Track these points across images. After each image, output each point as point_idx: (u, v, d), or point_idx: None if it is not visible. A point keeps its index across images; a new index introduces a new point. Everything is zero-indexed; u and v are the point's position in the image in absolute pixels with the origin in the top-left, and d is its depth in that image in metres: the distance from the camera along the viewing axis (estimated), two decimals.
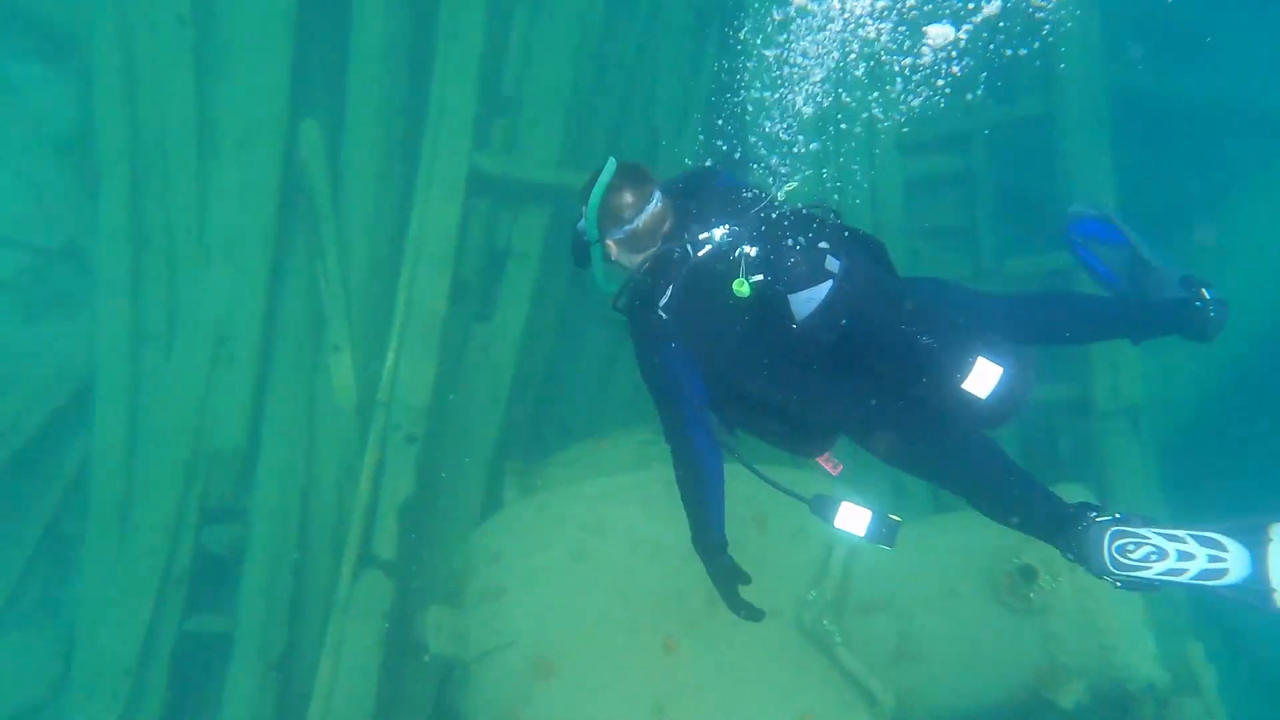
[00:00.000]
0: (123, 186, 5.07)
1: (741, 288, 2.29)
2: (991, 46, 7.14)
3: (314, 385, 4.85)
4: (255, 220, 5.00)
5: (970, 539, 3.44)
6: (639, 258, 2.48)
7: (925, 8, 7.12)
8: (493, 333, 5.11)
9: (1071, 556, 2.36)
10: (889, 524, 2.50)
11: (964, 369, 2.31)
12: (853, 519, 2.51)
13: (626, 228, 2.43)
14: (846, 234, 2.47)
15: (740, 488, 3.69)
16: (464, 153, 5.06)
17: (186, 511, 4.60)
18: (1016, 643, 3.18)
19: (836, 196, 6.61)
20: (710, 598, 3.50)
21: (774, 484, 2.57)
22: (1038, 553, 3.18)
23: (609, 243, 2.48)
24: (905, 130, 6.98)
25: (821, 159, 6.75)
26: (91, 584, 4.58)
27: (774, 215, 2.43)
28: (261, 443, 4.74)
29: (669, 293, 2.38)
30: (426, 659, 3.65)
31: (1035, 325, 2.72)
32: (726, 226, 2.38)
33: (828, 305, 2.34)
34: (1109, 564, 2.26)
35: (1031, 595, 3.14)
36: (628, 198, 2.42)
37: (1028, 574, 3.15)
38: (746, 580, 2.65)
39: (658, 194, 2.46)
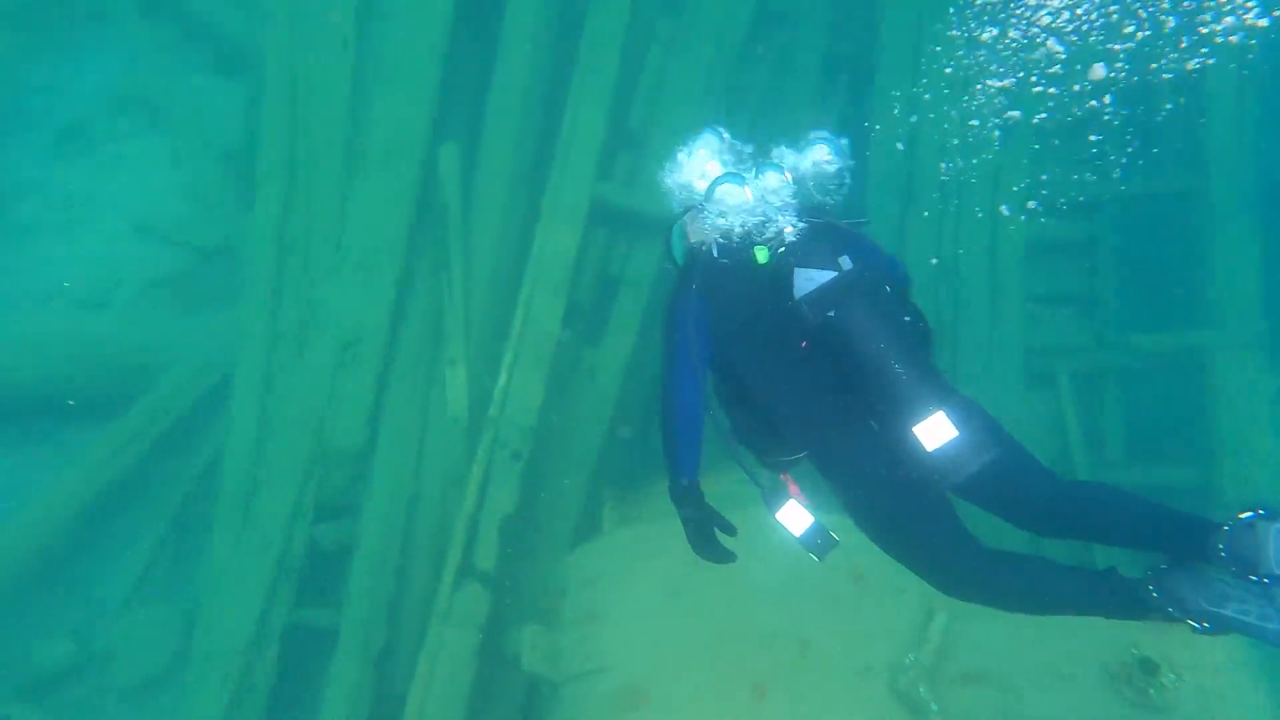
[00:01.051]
0: (277, 195, 5.43)
1: (761, 253, 2.63)
2: (1126, 114, 6.98)
3: (429, 395, 5.05)
4: (390, 233, 5.27)
5: (1084, 621, 3.31)
6: (711, 236, 2.79)
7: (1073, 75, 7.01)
8: (600, 358, 5.22)
9: (1226, 553, 2.22)
10: (826, 538, 2.59)
11: (920, 414, 2.39)
12: (795, 518, 2.61)
13: (702, 202, 2.80)
14: (873, 253, 2.71)
15: (844, 538, 3.69)
16: (588, 183, 5.23)
17: (303, 506, 4.84)
18: None
19: (961, 251, 6.53)
20: (803, 647, 3.49)
21: (740, 462, 2.66)
22: (1159, 647, 3.04)
23: (685, 220, 2.85)
24: (1033, 198, 6.87)
25: (941, 217, 6.69)
26: (214, 568, 4.86)
27: (821, 219, 2.73)
28: (377, 446, 4.96)
29: (713, 251, 2.73)
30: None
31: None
32: (780, 216, 2.70)
33: (823, 290, 2.55)
34: (1276, 564, 2.15)
35: (1151, 691, 2.99)
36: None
37: (1148, 667, 3.01)
38: (729, 529, 2.61)
39: (735, 182, 2.80)
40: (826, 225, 2.73)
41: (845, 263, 2.60)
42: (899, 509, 2.56)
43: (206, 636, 4.68)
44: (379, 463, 4.91)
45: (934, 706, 3.26)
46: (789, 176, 2.85)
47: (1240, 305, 6.06)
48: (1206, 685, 2.96)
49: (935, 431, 2.39)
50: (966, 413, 2.44)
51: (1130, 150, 6.91)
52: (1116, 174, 6.83)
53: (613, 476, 4.87)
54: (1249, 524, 2.21)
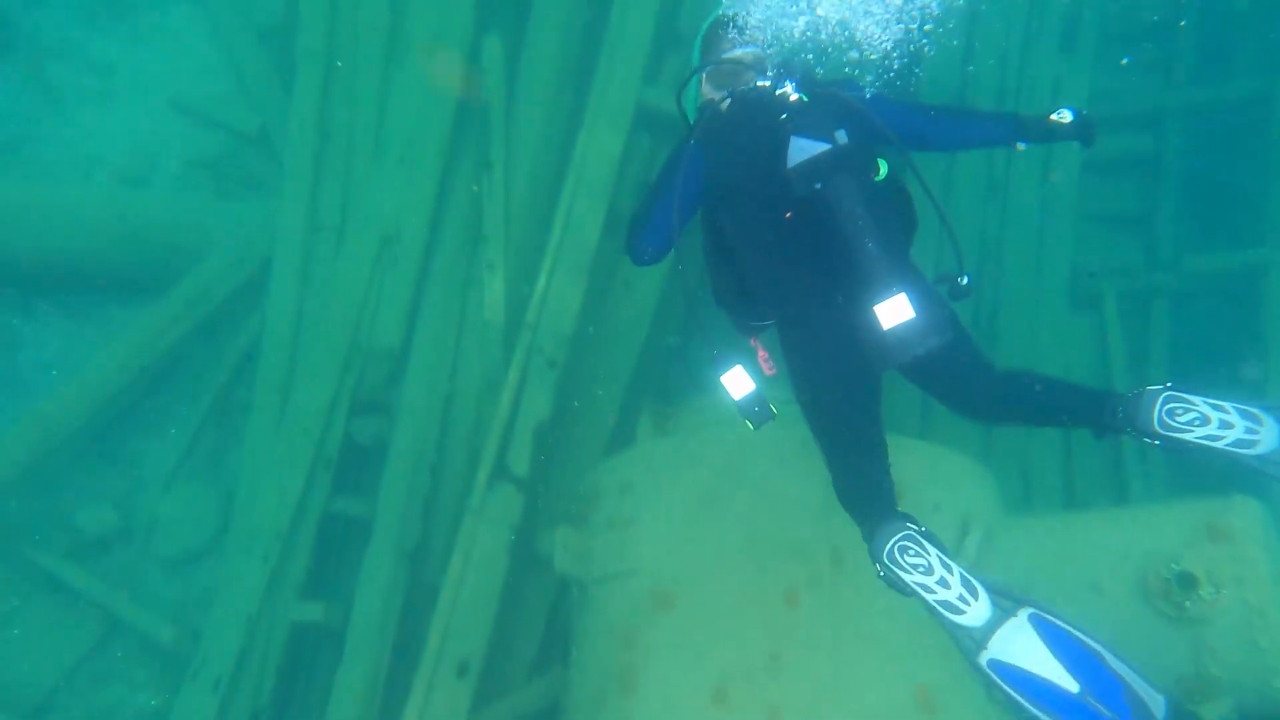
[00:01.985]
0: (315, 81, 5.33)
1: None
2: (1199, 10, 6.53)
3: (466, 297, 5.03)
4: (431, 127, 5.15)
5: (1123, 537, 3.29)
6: (721, 95, 2.86)
7: None
8: (637, 271, 5.14)
9: (1121, 417, 2.54)
10: (764, 408, 2.75)
11: (883, 293, 2.49)
12: (737, 383, 2.77)
13: (716, 60, 2.84)
14: (880, 119, 2.74)
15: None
16: (634, 85, 5.04)
17: (340, 399, 4.90)
18: (1164, 649, 3.03)
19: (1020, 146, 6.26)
20: (836, 559, 3.51)
21: (709, 331, 2.82)
22: (1201, 561, 3.02)
23: (703, 76, 2.90)
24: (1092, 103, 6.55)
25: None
26: (252, 453, 4.97)
27: (826, 88, 2.77)
28: (414, 344, 4.96)
29: (722, 110, 2.83)
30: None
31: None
32: (789, 84, 2.74)
33: (814, 161, 2.60)
34: (1157, 424, 2.46)
35: (1188, 604, 2.99)
36: (725, 36, 2.85)
37: (1187, 581, 3.00)
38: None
39: (752, 47, 2.85)
40: (830, 95, 2.75)
41: (841, 136, 2.64)
42: (836, 400, 2.77)
43: (246, 516, 4.82)
44: (415, 361, 4.92)
45: None
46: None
47: None
48: (1249, 599, 2.95)
49: (893, 311, 2.49)
50: (926, 299, 2.55)
51: (1199, 56, 6.52)
52: (1184, 81, 6.47)
53: (649, 388, 4.87)
54: (1138, 394, 2.53)
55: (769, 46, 2.86)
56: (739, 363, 2.77)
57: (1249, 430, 2.41)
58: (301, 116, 5.34)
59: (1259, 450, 2.40)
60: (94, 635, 5.15)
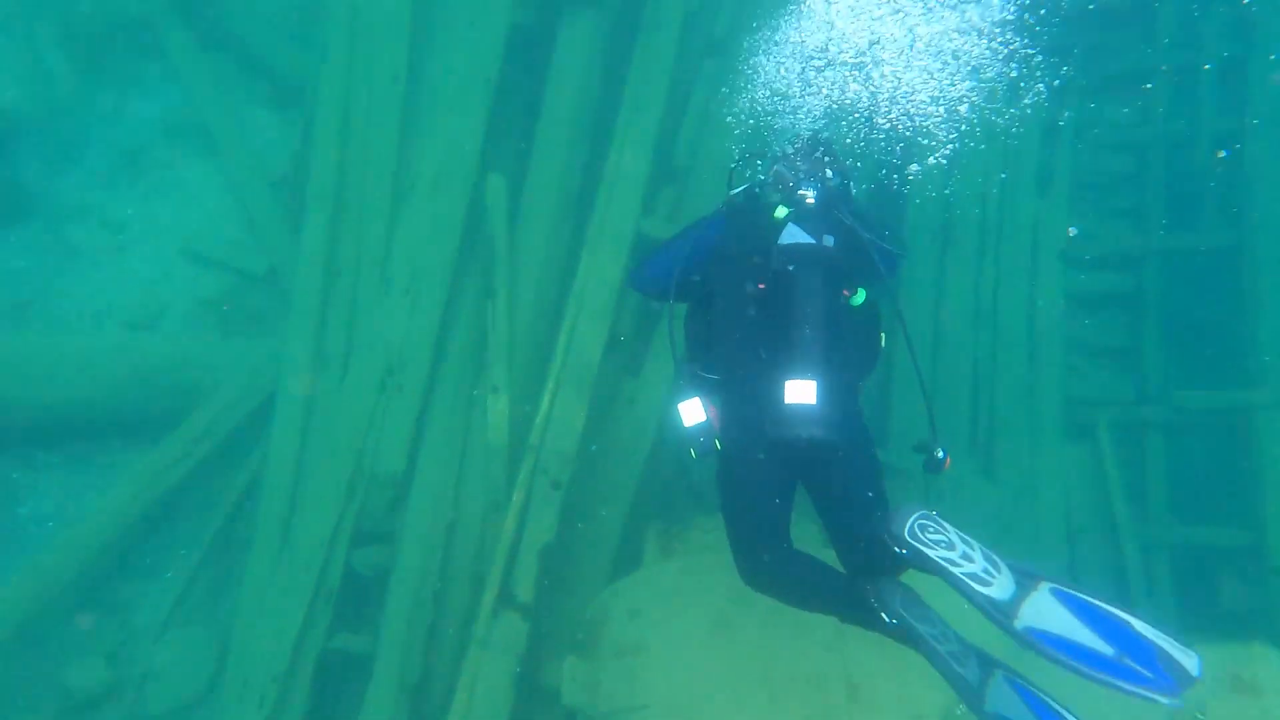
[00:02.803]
0: (324, 221, 5.52)
1: (781, 210, 3.13)
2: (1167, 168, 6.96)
3: (470, 422, 5.05)
4: (436, 260, 5.33)
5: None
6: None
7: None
8: (640, 387, 5.20)
9: (880, 526, 2.68)
10: (709, 439, 2.98)
11: (798, 374, 2.82)
12: (691, 412, 3.02)
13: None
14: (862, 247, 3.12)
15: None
16: (633, 216, 5.29)
17: (342, 529, 4.83)
18: None
19: (1000, 299, 6.50)
20: (852, 692, 3.41)
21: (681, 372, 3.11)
22: (1228, 711, 2.95)
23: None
24: (1071, 239, 6.85)
25: (980, 262, 6.68)
26: (251, 590, 4.84)
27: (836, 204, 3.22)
28: (417, 471, 4.95)
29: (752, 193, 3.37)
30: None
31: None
32: (809, 189, 3.25)
33: (797, 248, 3.02)
34: (906, 533, 2.59)
35: None
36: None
37: None
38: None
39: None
40: (835, 208, 3.20)
41: (828, 240, 3.06)
42: (746, 477, 2.98)
43: (241, 660, 4.64)
44: (418, 488, 4.89)
45: None
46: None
47: None
48: None
49: (798, 391, 2.80)
50: (834, 404, 2.83)
51: (1168, 204, 6.91)
52: (1158, 229, 6.83)
53: (654, 508, 4.83)
54: (899, 507, 2.69)
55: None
56: (697, 395, 3.03)
57: (986, 571, 2.51)
58: (310, 254, 5.51)
59: (988, 593, 2.46)
60: None
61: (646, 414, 5.13)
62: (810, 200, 3.21)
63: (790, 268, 2.99)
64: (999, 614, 2.45)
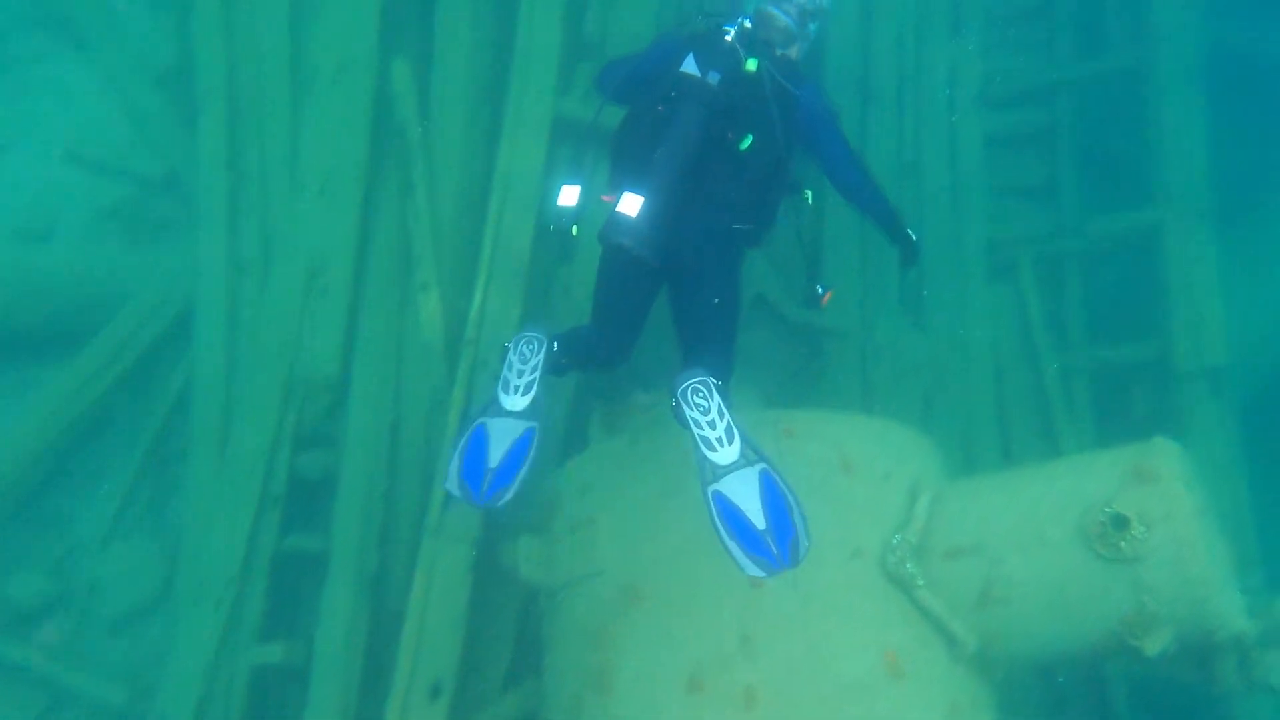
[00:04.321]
0: (220, 120, 5.22)
1: (751, 63, 3.38)
2: None
3: (403, 321, 4.98)
4: (347, 156, 5.10)
5: (1059, 487, 3.44)
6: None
7: None
8: (574, 275, 5.17)
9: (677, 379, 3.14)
10: (566, 222, 3.39)
11: (632, 185, 3.16)
12: (566, 195, 3.42)
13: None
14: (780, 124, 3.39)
15: (828, 430, 3.78)
16: (550, 96, 5.10)
17: (282, 435, 4.79)
18: (1106, 590, 3.18)
19: (922, 149, 6.53)
20: None
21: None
22: (1131, 503, 3.18)
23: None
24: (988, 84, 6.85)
25: (899, 109, 6.66)
26: (194, 500, 4.82)
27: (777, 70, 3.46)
28: (353, 374, 4.89)
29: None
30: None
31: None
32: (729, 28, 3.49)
33: (682, 77, 3.37)
34: (678, 391, 3.08)
35: (1123, 544, 3.15)
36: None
37: (1120, 523, 3.16)
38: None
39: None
40: (772, 75, 3.40)
41: (712, 76, 3.36)
42: (600, 271, 3.51)
43: (193, 566, 4.67)
44: (356, 390, 4.85)
45: (920, 581, 3.40)
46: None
47: (1188, 179, 6.17)
48: (1178, 533, 3.11)
49: (628, 203, 3.13)
50: (661, 223, 3.15)
51: (1076, 32, 6.90)
52: (1065, 58, 6.83)
53: (596, 391, 4.88)
54: (690, 371, 3.13)
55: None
56: (581, 185, 3.41)
57: (719, 440, 2.99)
58: (210, 156, 5.22)
59: (711, 457, 2.99)
60: (39, 707, 4.90)
61: (584, 301, 5.10)
62: (728, 38, 3.40)
63: (673, 94, 3.31)
64: (707, 474, 3.01)
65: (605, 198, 3.38)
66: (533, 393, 3.24)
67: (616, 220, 3.14)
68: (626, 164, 3.34)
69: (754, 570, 2.95)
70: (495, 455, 3.18)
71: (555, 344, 3.40)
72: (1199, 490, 3.28)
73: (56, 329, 5.35)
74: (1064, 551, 3.28)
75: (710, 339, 3.41)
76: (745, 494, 2.97)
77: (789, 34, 3.66)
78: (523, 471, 3.21)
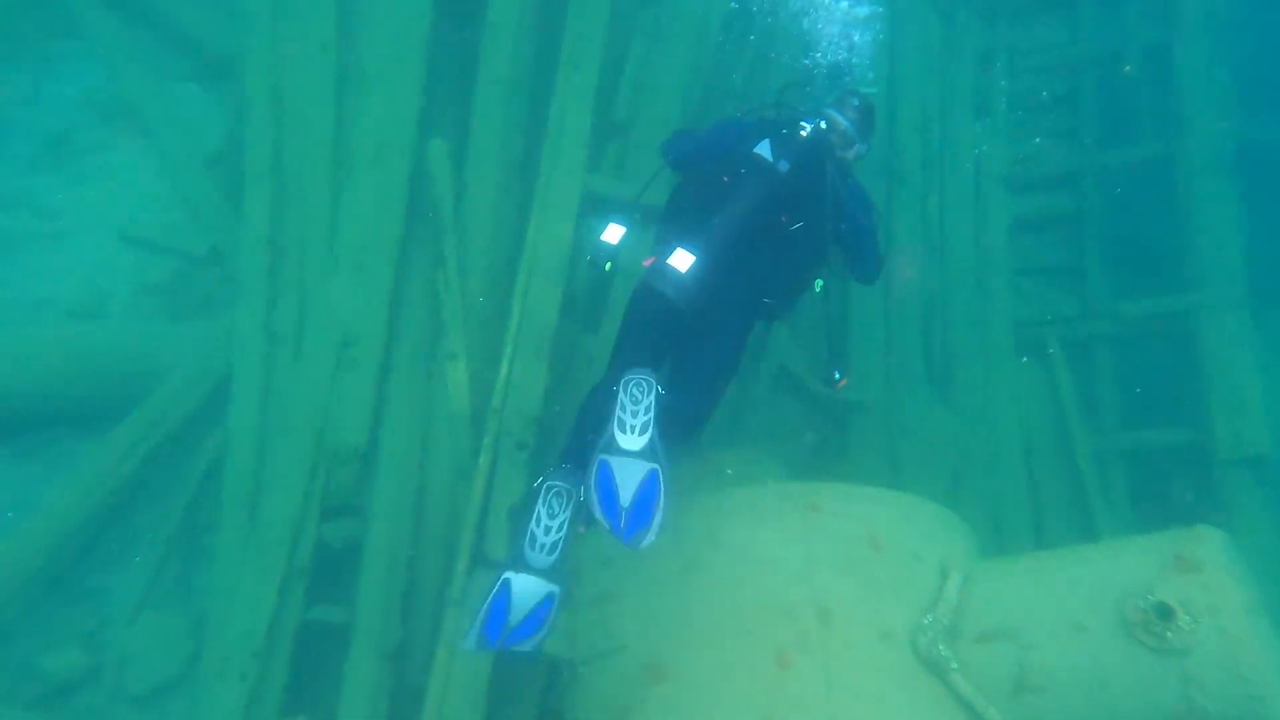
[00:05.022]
0: (264, 199, 5.42)
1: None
2: (1098, 85, 7.04)
3: (430, 391, 5.05)
4: (382, 231, 5.27)
5: (1095, 572, 3.32)
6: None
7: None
8: (599, 345, 5.23)
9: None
10: (604, 258, 3.71)
11: (689, 244, 3.43)
12: (610, 232, 3.73)
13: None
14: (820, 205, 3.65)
15: (856, 506, 3.73)
16: (579, 173, 5.28)
17: (310, 506, 4.82)
18: (1152, 683, 3.01)
19: (948, 228, 6.60)
20: (824, 617, 3.51)
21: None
22: (1174, 591, 3.07)
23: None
24: (1014, 168, 6.95)
25: (925, 194, 6.75)
26: (222, 571, 4.83)
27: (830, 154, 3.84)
28: (380, 443, 4.95)
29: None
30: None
31: None
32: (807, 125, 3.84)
33: (755, 158, 3.67)
34: (619, 383, 3.24)
35: (1170, 634, 3.00)
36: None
37: (1164, 612, 3.02)
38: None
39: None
40: (825, 159, 3.72)
41: (783, 165, 3.64)
42: (631, 308, 3.69)
43: (219, 638, 4.65)
44: (384, 459, 4.90)
45: (954, 665, 3.29)
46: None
47: (1223, 266, 6.17)
48: (1227, 628, 2.97)
49: (681, 258, 3.40)
50: (710, 287, 3.40)
51: (1103, 121, 7.03)
52: (1092, 145, 6.94)
53: None
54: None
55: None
56: (627, 228, 3.68)
57: (630, 429, 3.15)
58: (253, 233, 5.41)
59: (617, 438, 3.14)
60: None
61: None
62: (804, 133, 3.72)
63: (742, 171, 3.58)
64: (604, 444, 3.15)
65: (646, 262, 3.58)
66: (557, 553, 3.22)
67: (665, 271, 3.39)
68: (682, 224, 3.55)
69: (599, 512, 3.10)
70: (516, 616, 3.17)
71: (583, 493, 3.31)
72: (1247, 582, 3.13)
73: (101, 403, 5.46)
74: (1104, 640, 3.13)
75: (695, 393, 3.57)
76: (626, 478, 3.11)
77: (849, 137, 3.96)
78: (540, 635, 3.21)
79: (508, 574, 3.24)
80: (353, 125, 5.57)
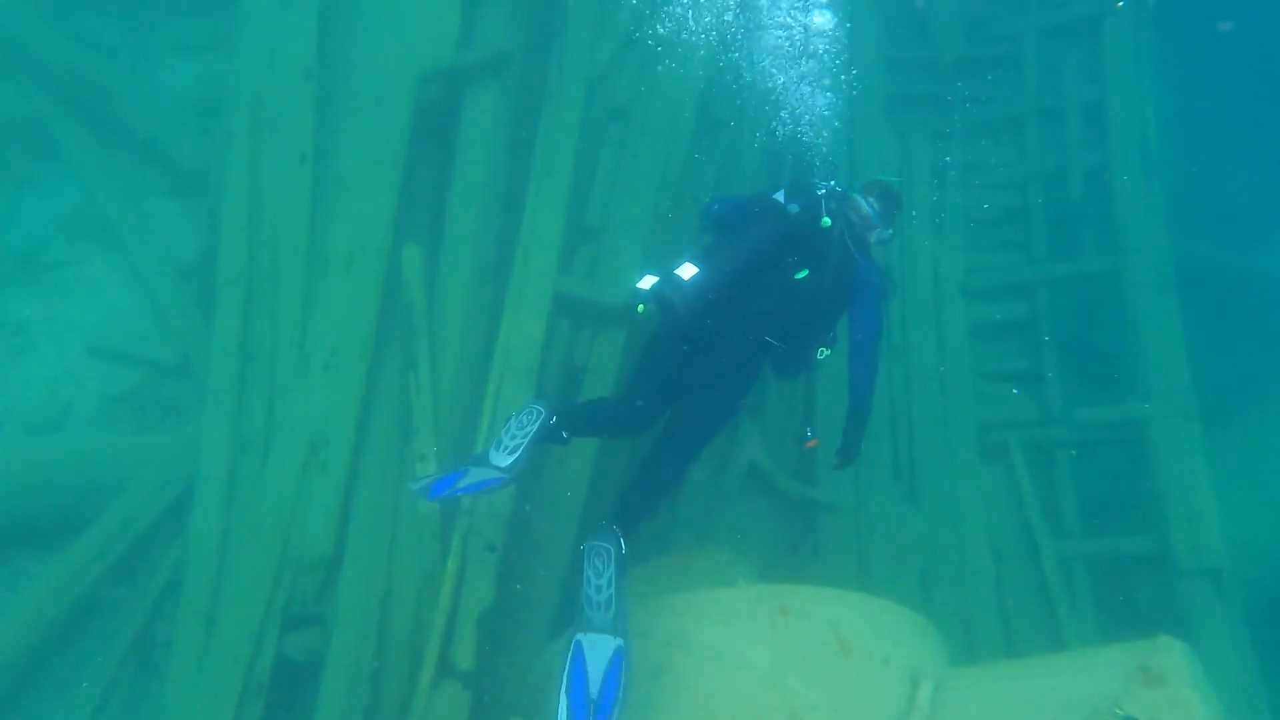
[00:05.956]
0: (236, 306, 5.44)
1: (825, 220, 3.97)
2: (1044, 203, 7.43)
3: (399, 493, 4.99)
4: (354, 334, 5.30)
5: (1064, 684, 3.31)
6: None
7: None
8: (569, 446, 5.22)
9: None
10: (636, 301, 3.75)
11: (696, 262, 3.72)
12: (645, 280, 3.79)
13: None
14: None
15: (825, 609, 3.72)
16: (550, 276, 5.41)
17: (271, 616, 4.66)
18: None
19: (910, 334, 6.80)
20: None
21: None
22: (1141, 706, 3.07)
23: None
24: (970, 277, 7.23)
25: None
26: (175, 690, 4.61)
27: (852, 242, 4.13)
28: (347, 549, 4.84)
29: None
30: None
31: None
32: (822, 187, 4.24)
33: (771, 203, 4.08)
34: (585, 546, 3.63)
35: None
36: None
37: None
38: None
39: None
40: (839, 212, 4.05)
41: (793, 207, 4.02)
42: (648, 341, 4.01)
43: None
44: (349, 566, 4.78)
45: None
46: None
47: (1171, 378, 6.42)
48: None
49: (686, 268, 3.66)
50: (708, 303, 3.65)
51: (1052, 234, 7.39)
52: (1045, 259, 7.27)
53: None
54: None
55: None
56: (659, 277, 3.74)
57: (599, 605, 3.47)
58: (223, 338, 5.40)
59: (589, 612, 3.44)
60: None
61: (577, 471, 5.16)
62: (820, 192, 4.08)
63: (756, 210, 3.95)
64: (581, 621, 3.42)
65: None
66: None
67: (670, 278, 3.62)
68: (699, 252, 3.80)
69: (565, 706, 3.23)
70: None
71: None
72: (1211, 696, 3.16)
73: (62, 517, 5.30)
74: None
75: (688, 431, 3.84)
76: (596, 658, 3.29)
77: (869, 221, 4.22)
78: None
79: (468, 466, 3.63)
80: (328, 231, 5.66)
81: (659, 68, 6.27)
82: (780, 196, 4.07)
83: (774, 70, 6.17)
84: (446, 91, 5.77)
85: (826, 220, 3.92)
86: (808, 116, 5.99)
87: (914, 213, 7.33)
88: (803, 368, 4.05)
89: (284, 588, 4.77)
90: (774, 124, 6.68)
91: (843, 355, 4.02)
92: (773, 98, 6.27)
